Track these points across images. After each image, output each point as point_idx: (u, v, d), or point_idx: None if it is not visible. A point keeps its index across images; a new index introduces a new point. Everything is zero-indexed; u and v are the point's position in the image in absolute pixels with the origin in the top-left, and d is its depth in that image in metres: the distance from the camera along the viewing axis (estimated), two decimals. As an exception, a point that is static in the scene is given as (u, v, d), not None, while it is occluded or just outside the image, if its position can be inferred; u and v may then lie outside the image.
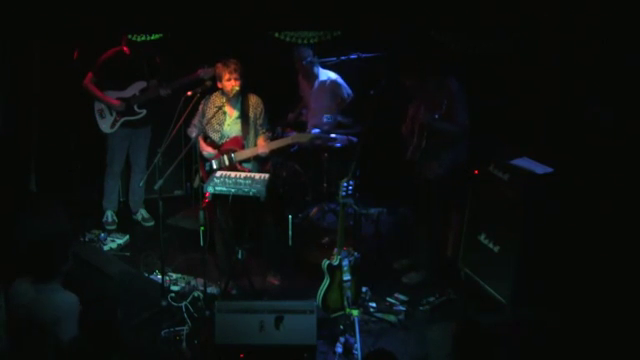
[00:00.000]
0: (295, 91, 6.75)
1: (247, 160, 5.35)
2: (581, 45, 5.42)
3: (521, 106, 5.95)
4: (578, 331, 4.55)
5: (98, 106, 6.14)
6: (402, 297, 5.20)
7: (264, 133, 5.41)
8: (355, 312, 4.67)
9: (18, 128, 6.17)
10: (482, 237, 5.14)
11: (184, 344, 4.63)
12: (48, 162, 6.46)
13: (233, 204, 4.92)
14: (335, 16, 5.84)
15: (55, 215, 5.42)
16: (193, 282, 5.32)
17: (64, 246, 3.75)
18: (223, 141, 5.36)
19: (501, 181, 4.98)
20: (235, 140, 5.35)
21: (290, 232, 5.86)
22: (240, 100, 5.35)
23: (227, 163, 5.32)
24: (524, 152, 5.12)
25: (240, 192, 4.85)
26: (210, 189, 4.90)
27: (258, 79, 5.53)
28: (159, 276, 5.20)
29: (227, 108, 5.36)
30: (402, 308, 5.07)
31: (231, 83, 5.21)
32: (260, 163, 5.53)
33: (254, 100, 5.37)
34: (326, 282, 4.77)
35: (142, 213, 6.50)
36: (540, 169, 4.90)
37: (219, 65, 5.25)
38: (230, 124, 5.37)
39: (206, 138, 5.39)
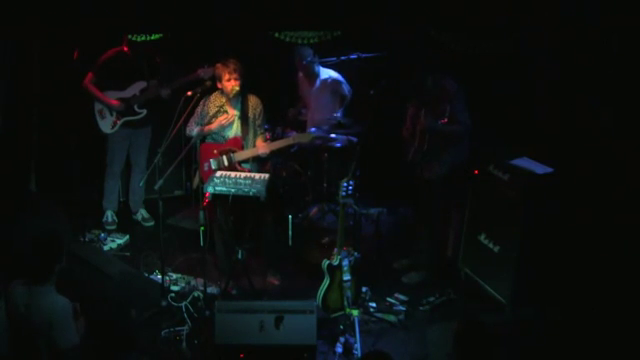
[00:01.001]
0: (295, 91, 6.75)
1: (246, 160, 5.36)
2: (581, 45, 5.42)
3: (521, 106, 5.95)
4: (578, 331, 4.55)
5: (98, 106, 6.12)
6: (402, 297, 5.19)
7: (262, 134, 5.41)
8: (355, 312, 4.67)
9: (18, 128, 6.17)
10: (482, 237, 5.14)
11: (184, 344, 4.62)
12: (48, 162, 6.45)
13: (233, 204, 4.91)
14: (335, 16, 5.84)
15: (53, 216, 5.40)
16: (193, 282, 5.32)
17: (60, 248, 3.73)
18: (223, 141, 5.37)
19: (501, 181, 4.98)
20: (235, 140, 5.35)
21: (290, 232, 5.86)
22: (240, 100, 5.35)
23: (226, 163, 5.32)
24: (524, 152, 5.12)
25: (240, 192, 4.85)
26: (210, 189, 4.90)
27: (258, 79, 5.53)
28: (159, 276, 5.20)
29: (227, 108, 5.36)
30: (402, 308, 5.06)
31: (231, 83, 5.21)
32: (259, 163, 5.54)
33: (254, 101, 5.38)
34: (326, 282, 4.77)
35: (142, 213, 6.50)
36: (540, 169, 4.89)
37: (219, 65, 5.25)
38: (230, 124, 5.37)
39: (204, 139, 5.39)
